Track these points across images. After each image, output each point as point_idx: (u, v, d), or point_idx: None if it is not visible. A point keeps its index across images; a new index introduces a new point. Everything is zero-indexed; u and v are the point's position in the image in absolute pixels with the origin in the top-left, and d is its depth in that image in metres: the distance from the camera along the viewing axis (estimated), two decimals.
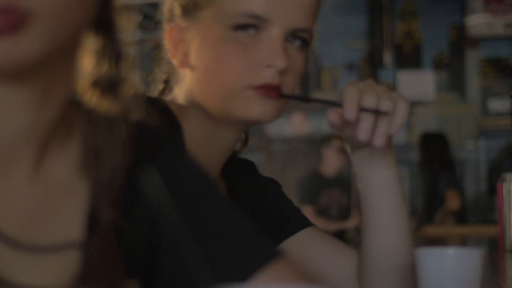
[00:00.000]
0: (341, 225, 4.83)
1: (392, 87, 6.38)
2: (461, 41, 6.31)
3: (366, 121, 0.99)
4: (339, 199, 5.01)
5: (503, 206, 2.25)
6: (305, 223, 1.20)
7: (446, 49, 6.37)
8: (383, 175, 1.09)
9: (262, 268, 0.72)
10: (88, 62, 0.70)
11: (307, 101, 1.12)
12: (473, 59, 6.34)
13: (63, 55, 0.66)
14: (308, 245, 1.17)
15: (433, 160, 5.20)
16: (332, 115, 1.02)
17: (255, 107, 1.07)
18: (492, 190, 5.58)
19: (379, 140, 0.99)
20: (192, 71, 1.11)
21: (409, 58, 6.37)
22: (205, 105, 1.10)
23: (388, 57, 6.37)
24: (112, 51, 0.70)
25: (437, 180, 5.13)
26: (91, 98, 0.70)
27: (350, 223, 4.81)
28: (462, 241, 3.12)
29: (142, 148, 0.72)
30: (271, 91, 1.06)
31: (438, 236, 3.22)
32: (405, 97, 1.02)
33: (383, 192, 1.08)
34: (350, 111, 0.98)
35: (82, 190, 0.70)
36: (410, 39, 6.39)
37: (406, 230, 1.08)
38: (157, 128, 0.75)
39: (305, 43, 1.11)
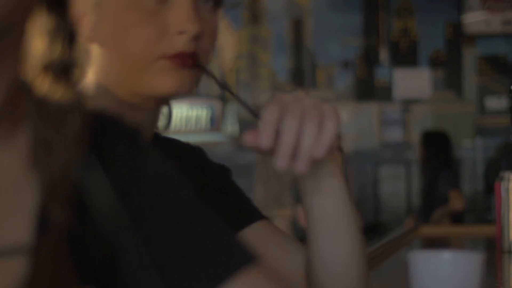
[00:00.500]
0: None
1: (388, 85, 6.33)
2: (458, 38, 6.27)
3: (283, 147, 0.87)
4: None
5: (501, 206, 2.20)
6: (257, 216, 1.12)
7: (443, 46, 6.33)
8: (321, 201, 0.97)
9: (231, 277, 0.64)
10: (39, 43, 0.62)
11: (221, 86, 1.03)
12: (470, 57, 6.30)
13: (8, 33, 0.59)
14: (258, 240, 1.08)
15: (434, 158, 5.16)
16: (247, 138, 0.89)
17: (170, 79, 0.98)
18: (489, 189, 5.54)
19: (300, 167, 0.88)
20: (100, 47, 1.02)
21: (405, 56, 6.34)
22: (116, 82, 1.01)
23: (384, 55, 6.33)
24: (66, 32, 0.63)
25: (437, 180, 5.09)
26: (42, 84, 0.63)
27: None
28: (460, 241, 3.07)
29: (97, 141, 0.64)
30: (187, 59, 0.98)
31: (435, 236, 3.17)
32: (336, 112, 0.91)
33: (323, 217, 0.98)
34: (265, 138, 0.87)
35: (31, 187, 0.63)
36: (406, 37, 6.36)
37: (352, 246, 0.99)
38: (115, 119, 0.68)
39: (218, 3, 1.02)
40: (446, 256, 0.82)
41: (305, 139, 0.88)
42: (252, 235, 1.08)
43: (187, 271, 0.65)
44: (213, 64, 6.51)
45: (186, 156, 1.12)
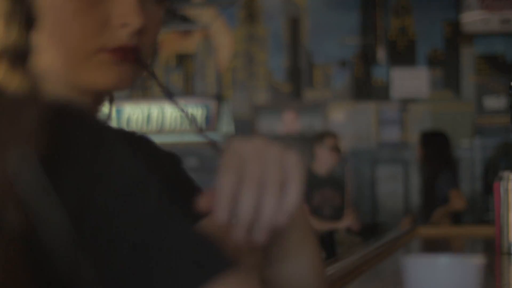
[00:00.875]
0: (332, 225, 4.76)
1: (386, 84, 6.29)
2: (456, 37, 6.23)
3: (241, 222, 0.79)
4: (331, 199, 4.93)
5: (501, 206, 2.16)
6: None
7: (441, 45, 6.29)
8: (287, 270, 0.90)
9: (207, 283, 0.59)
10: None
11: (158, 83, 0.98)
12: (468, 56, 6.25)
13: None
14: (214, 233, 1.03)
15: (433, 158, 5.13)
16: (202, 203, 0.81)
17: (109, 73, 0.92)
18: (488, 189, 5.50)
19: (259, 238, 0.80)
20: (38, 34, 0.97)
21: (403, 55, 6.29)
22: (51, 75, 0.94)
23: (381, 54, 6.29)
24: (22, 15, 0.57)
25: (437, 179, 5.06)
26: None
27: (341, 224, 4.75)
28: (459, 242, 3.03)
29: (57, 137, 0.59)
30: (128, 53, 0.93)
31: (433, 236, 3.13)
32: (299, 167, 0.82)
33: (289, 285, 0.90)
34: (221, 212, 0.79)
35: None
36: (404, 35, 6.32)
37: None
38: (79, 113, 0.62)
39: None
40: (443, 261, 0.76)
41: (265, 209, 0.79)
42: (208, 227, 1.02)
43: (160, 277, 0.60)
44: (209, 63, 6.47)
45: (134, 145, 1.07)
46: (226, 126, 6.02)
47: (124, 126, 5.65)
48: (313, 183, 4.95)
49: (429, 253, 0.84)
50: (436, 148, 5.18)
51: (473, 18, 5.89)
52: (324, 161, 4.95)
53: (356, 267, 1.92)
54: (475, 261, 0.77)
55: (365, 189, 6.22)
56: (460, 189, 5.21)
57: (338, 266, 1.84)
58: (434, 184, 5.08)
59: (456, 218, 5.02)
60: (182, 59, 6.44)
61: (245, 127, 6.16)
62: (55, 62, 0.93)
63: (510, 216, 2.15)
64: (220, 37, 6.41)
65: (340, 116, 6.27)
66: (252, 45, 6.40)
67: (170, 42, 6.34)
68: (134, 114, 6.07)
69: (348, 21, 6.32)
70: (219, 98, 6.14)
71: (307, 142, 5.34)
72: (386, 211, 6.20)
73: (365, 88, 6.31)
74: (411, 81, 6.22)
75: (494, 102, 6.13)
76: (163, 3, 0.97)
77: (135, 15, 0.91)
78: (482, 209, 5.81)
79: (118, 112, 5.84)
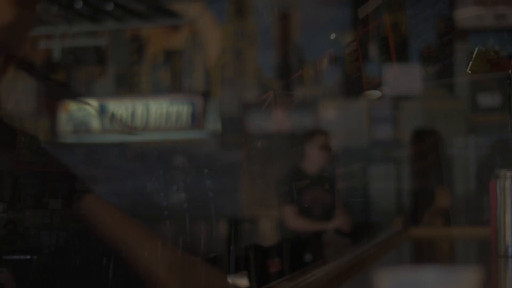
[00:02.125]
0: (320, 226, 4.71)
1: (378, 81, 6.21)
2: (450, 33, 6.16)
3: None
4: (322, 198, 4.87)
5: (497, 206, 2.05)
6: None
7: (434, 42, 6.23)
8: None
9: None
10: None
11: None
12: (462, 53, 6.20)
13: None
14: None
15: (425, 157, 5.08)
16: None
17: None
18: (483, 188, 5.44)
19: None
20: None
21: (396, 51, 6.23)
22: None
23: (373, 50, 6.23)
24: None
25: (428, 179, 5.01)
26: None
27: (329, 225, 4.69)
28: (452, 244, 2.94)
29: None
30: None
31: (425, 237, 3.05)
32: None
33: None
34: None
35: None
36: (396, 32, 6.26)
37: None
38: None
39: None
40: (428, 277, 0.61)
41: None
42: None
43: None
44: (197, 60, 6.41)
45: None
46: (213, 123, 5.97)
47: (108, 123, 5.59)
48: (303, 182, 4.88)
49: (416, 263, 0.70)
50: (427, 147, 5.13)
51: (467, 14, 5.83)
52: (314, 159, 4.89)
53: (341, 272, 1.81)
54: (470, 274, 0.63)
55: (357, 189, 6.18)
56: (449, 187, 5.17)
57: (323, 270, 1.74)
58: (425, 183, 5.03)
59: (449, 219, 4.96)
60: (170, 56, 6.39)
61: (234, 125, 6.12)
62: None
63: (507, 217, 2.04)
64: (208, 32, 6.35)
65: (331, 114, 6.23)
66: (241, 41, 6.36)
67: (157, 37, 6.30)
68: (118, 111, 6.01)
69: (340, 16, 6.26)
70: (206, 95, 6.10)
71: (297, 140, 5.29)
72: (378, 211, 6.16)
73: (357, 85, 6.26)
74: (403, 78, 6.16)
75: (489, 99, 6.08)
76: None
77: (4, 8, 0.80)
78: (476, 209, 5.75)
79: (102, 108, 5.78)
